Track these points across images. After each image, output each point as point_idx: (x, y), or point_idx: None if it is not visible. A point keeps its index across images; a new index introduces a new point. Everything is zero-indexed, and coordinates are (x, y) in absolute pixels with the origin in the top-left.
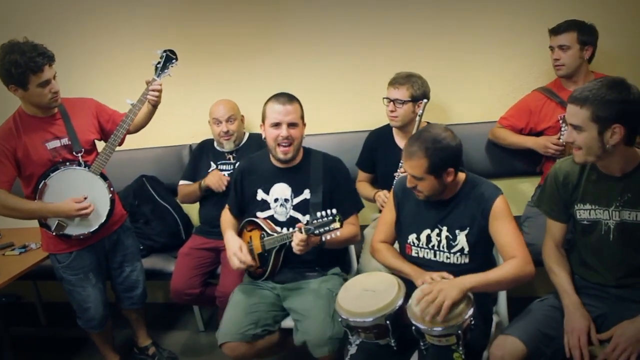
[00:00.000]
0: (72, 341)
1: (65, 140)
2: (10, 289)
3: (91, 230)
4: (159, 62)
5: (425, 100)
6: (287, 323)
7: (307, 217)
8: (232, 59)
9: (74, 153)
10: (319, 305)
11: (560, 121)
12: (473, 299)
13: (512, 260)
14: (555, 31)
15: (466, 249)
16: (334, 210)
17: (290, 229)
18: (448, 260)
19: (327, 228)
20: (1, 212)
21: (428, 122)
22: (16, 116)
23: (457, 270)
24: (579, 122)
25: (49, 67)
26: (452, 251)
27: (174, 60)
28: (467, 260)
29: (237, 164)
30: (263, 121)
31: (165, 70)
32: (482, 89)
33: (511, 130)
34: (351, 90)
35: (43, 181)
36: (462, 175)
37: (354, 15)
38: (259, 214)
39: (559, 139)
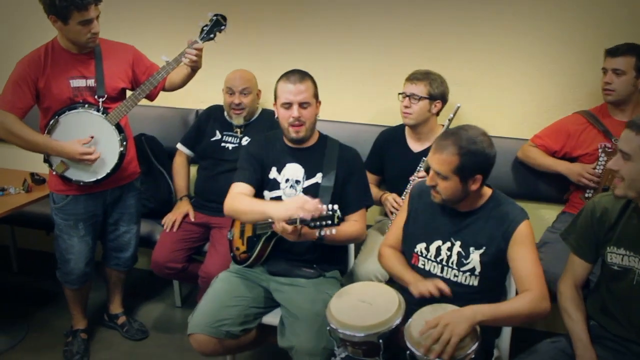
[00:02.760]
0: (40, 293)
1: (91, 82)
2: None
3: (93, 179)
4: (206, 25)
5: (458, 105)
6: (269, 320)
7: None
8: (257, 29)
9: (96, 97)
10: (316, 310)
11: (600, 150)
12: (479, 333)
13: (527, 293)
14: (612, 53)
15: (477, 270)
16: (336, 206)
17: None
18: (455, 279)
19: (322, 223)
20: (6, 137)
21: None
22: (49, 46)
23: (461, 291)
24: (630, 150)
25: (94, 6)
26: (461, 269)
27: (222, 27)
28: (475, 283)
29: (243, 139)
30: (275, 100)
31: (211, 35)
32: (515, 103)
33: (544, 151)
34: (374, 83)
35: (57, 117)
36: (488, 191)
37: (389, 7)
38: (266, 192)
39: (595, 168)
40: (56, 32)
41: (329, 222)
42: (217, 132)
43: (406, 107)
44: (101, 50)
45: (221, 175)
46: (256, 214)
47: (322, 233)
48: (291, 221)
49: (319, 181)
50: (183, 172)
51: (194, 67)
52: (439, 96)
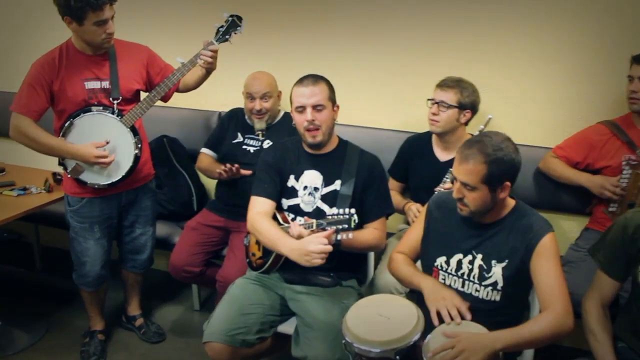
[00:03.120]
0: (62, 292)
1: (106, 84)
2: (14, 228)
3: (108, 182)
4: (222, 26)
5: (489, 116)
6: (285, 329)
7: (334, 209)
8: (280, 30)
9: (111, 99)
10: (332, 320)
11: (624, 162)
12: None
13: (549, 313)
14: (638, 60)
15: (500, 284)
16: (352, 210)
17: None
18: (477, 294)
19: (339, 227)
20: (20, 140)
21: None
22: (63, 47)
23: (483, 307)
24: None
25: (109, 6)
26: (483, 283)
27: (238, 28)
28: (497, 298)
29: (264, 143)
30: (291, 106)
31: (226, 36)
32: (543, 110)
33: (565, 162)
34: (400, 88)
35: (71, 120)
36: (511, 201)
37: (416, 10)
38: (284, 200)
39: (619, 181)
40: (54, 32)
41: (345, 225)
42: (239, 135)
43: (434, 114)
44: (115, 51)
45: (242, 179)
46: (269, 243)
47: (339, 237)
48: (307, 225)
49: (337, 188)
50: (211, 170)
51: (209, 69)
52: (469, 105)
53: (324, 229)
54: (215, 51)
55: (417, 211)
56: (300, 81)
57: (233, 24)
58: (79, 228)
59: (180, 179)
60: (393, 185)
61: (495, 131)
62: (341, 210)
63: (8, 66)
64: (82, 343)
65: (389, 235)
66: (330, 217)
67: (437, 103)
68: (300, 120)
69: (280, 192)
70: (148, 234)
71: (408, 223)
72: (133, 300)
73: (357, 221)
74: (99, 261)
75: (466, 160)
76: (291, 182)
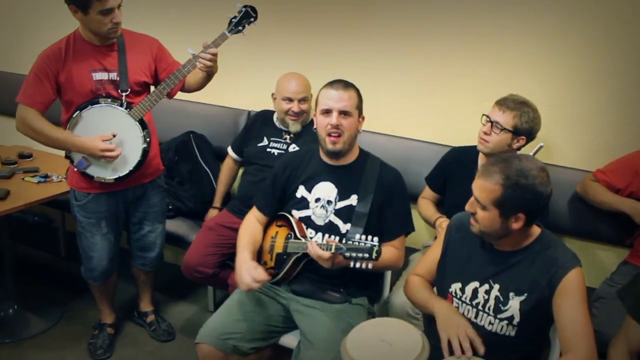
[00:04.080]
0: (81, 280)
1: (114, 75)
2: (46, 212)
3: (115, 177)
4: (234, 17)
5: (540, 145)
6: (288, 341)
7: (348, 225)
8: (313, 33)
9: (119, 91)
10: (334, 339)
11: None
12: None
13: (573, 356)
14: None
15: (516, 319)
16: (376, 240)
17: (323, 238)
18: (490, 327)
19: (359, 255)
20: (26, 132)
21: None
22: (70, 38)
23: (497, 341)
24: None
25: None
26: (498, 316)
27: (252, 19)
28: (512, 333)
29: (290, 146)
30: (315, 109)
31: (240, 28)
32: (589, 132)
33: (607, 187)
34: (435, 98)
35: (79, 112)
36: (536, 230)
37: (459, 19)
38: (294, 212)
39: None
40: (69, 20)
41: (367, 255)
42: (265, 138)
43: (485, 133)
44: (124, 42)
45: (264, 182)
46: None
47: (357, 265)
48: (326, 247)
49: (353, 203)
50: (225, 178)
51: (209, 72)
52: (526, 132)
53: (343, 255)
54: (215, 54)
55: None
56: (331, 84)
57: (246, 15)
58: (86, 223)
59: (204, 177)
60: (428, 194)
61: (531, 157)
62: (364, 237)
63: (23, 50)
64: (91, 335)
65: (413, 251)
66: (351, 242)
67: (491, 122)
68: (324, 124)
69: (277, 208)
70: (157, 231)
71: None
72: (145, 296)
73: (379, 252)
74: (106, 255)
75: (485, 176)
76: (301, 192)
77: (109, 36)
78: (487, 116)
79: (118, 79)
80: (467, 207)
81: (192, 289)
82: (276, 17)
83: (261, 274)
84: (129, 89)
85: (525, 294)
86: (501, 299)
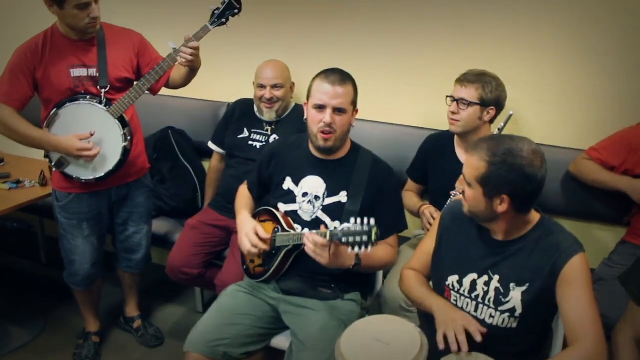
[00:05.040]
0: (64, 288)
1: (93, 71)
2: (23, 218)
3: (95, 176)
4: (217, 8)
5: (510, 113)
6: (279, 343)
7: (337, 223)
8: (296, 19)
9: (98, 87)
10: (327, 339)
11: None
12: None
13: (577, 349)
14: None
15: (518, 311)
16: (372, 221)
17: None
18: (491, 320)
19: (357, 239)
20: (1, 131)
21: None
22: (48, 33)
23: (498, 334)
24: None
25: None
26: (499, 308)
27: (235, 11)
28: (514, 325)
29: (271, 137)
30: (308, 99)
31: (223, 20)
32: (579, 109)
33: (600, 165)
34: (421, 82)
35: (56, 110)
36: (535, 216)
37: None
38: (280, 205)
39: None
40: (50, 19)
41: (365, 238)
42: (245, 130)
43: (453, 112)
44: (105, 37)
45: (247, 176)
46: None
47: (356, 250)
48: (321, 234)
49: (343, 200)
50: (213, 181)
51: (192, 67)
52: (493, 102)
53: (340, 241)
54: (196, 48)
55: (431, 216)
56: (327, 76)
57: (230, 6)
58: (67, 225)
59: (185, 174)
60: (411, 185)
61: (527, 138)
62: (359, 220)
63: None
64: (76, 345)
65: (404, 240)
66: (345, 227)
67: (456, 100)
68: (316, 119)
69: (262, 191)
70: (143, 232)
71: (424, 229)
72: (131, 301)
73: (378, 234)
74: (88, 259)
75: (472, 150)
76: (287, 184)
77: (87, 31)
78: (451, 96)
79: (97, 74)
80: (457, 184)
81: (179, 290)
82: (259, 2)
83: (261, 233)
84: (109, 85)
85: (527, 284)
86: (501, 290)
